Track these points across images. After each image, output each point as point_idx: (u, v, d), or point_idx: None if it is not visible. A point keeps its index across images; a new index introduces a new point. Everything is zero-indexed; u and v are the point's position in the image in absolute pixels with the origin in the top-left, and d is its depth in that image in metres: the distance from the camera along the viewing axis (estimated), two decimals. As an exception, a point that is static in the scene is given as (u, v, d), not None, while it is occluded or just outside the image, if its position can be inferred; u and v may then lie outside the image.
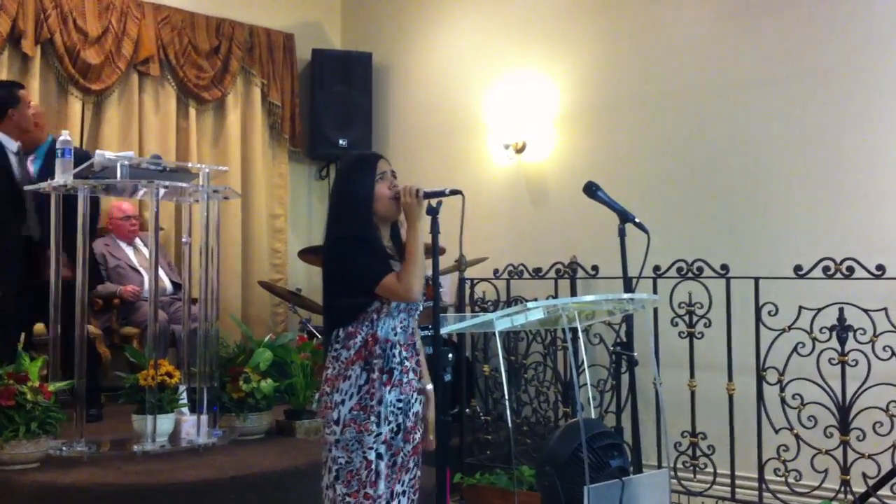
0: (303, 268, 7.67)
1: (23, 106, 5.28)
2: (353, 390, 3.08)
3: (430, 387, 3.27)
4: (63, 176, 4.52)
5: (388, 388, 3.09)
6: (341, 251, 3.13)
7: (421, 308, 3.25)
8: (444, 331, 3.14)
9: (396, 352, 3.13)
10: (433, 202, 3.13)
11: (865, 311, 4.50)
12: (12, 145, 5.20)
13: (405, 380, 3.14)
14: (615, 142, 6.43)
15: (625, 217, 3.82)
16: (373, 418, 3.06)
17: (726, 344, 4.90)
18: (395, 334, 3.14)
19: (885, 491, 4.49)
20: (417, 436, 3.21)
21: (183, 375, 4.81)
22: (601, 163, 6.35)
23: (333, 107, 7.78)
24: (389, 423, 3.09)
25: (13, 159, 5.20)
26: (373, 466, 3.05)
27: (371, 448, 3.06)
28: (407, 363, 3.16)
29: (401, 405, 3.12)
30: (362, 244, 3.10)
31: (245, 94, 7.68)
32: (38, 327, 5.22)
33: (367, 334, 3.11)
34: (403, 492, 3.16)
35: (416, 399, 3.19)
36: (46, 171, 4.91)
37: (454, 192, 3.10)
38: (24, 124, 5.26)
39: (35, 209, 5.20)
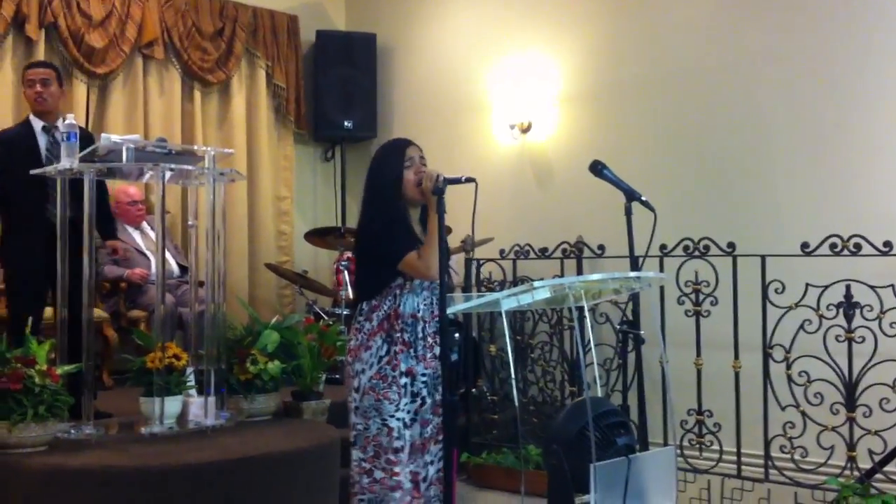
0: (309, 250, 7.68)
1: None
2: (374, 360, 3.26)
3: None
4: (68, 160, 4.51)
5: (417, 362, 3.28)
6: (373, 230, 3.34)
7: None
8: (450, 311, 3.17)
9: (420, 327, 3.30)
10: (439, 182, 3.20)
11: (872, 287, 4.50)
12: (38, 123, 5.14)
13: (429, 355, 3.31)
14: (621, 120, 6.41)
15: (631, 195, 3.80)
16: (394, 388, 3.23)
17: (733, 322, 4.90)
18: (419, 311, 3.31)
19: (891, 467, 4.50)
20: None
21: (190, 358, 4.81)
22: (607, 141, 6.33)
23: (338, 88, 7.76)
24: (420, 395, 3.28)
25: (41, 139, 5.13)
26: (394, 434, 3.21)
27: (392, 416, 3.22)
28: (430, 339, 3.32)
29: (426, 379, 3.29)
30: (392, 223, 3.29)
31: (250, 76, 7.67)
32: (47, 312, 5.21)
33: (390, 308, 3.29)
34: (432, 461, 3.31)
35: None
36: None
37: (469, 180, 3.25)
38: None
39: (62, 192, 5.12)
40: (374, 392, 3.23)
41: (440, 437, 3.29)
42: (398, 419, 3.22)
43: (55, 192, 4.77)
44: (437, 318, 3.33)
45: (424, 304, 3.33)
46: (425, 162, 3.40)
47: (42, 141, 5.09)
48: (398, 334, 3.26)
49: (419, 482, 3.26)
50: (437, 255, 3.20)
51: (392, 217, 3.30)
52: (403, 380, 3.24)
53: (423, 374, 3.28)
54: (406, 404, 3.24)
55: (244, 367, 4.97)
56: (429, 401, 3.29)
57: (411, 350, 3.26)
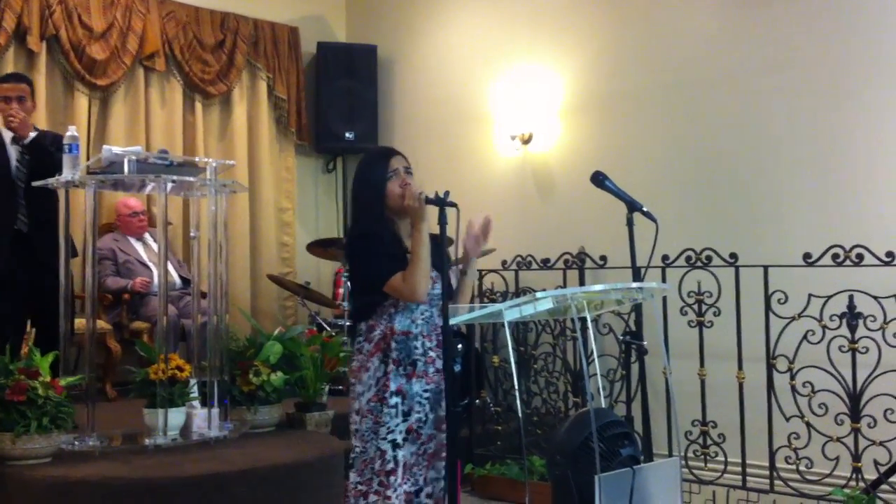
0: (311, 261, 7.68)
1: None
2: (372, 382, 3.17)
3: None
4: (70, 171, 4.53)
5: (413, 379, 3.16)
6: (355, 250, 3.24)
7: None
8: (453, 321, 3.14)
9: (419, 343, 3.19)
10: (440, 193, 3.15)
11: (875, 298, 4.50)
12: (6, 135, 5.18)
13: (430, 370, 3.20)
14: (622, 131, 6.41)
15: (633, 206, 3.80)
16: (387, 409, 3.12)
17: (736, 332, 4.90)
18: (416, 326, 3.20)
19: (896, 478, 4.49)
20: None
21: (193, 369, 4.81)
22: (608, 152, 6.33)
23: (339, 100, 7.77)
24: (417, 413, 3.15)
25: (11, 150, 5.15)
26: (388, 456, 3.11)
27: (385, 438, 3.12)
28: (432, 353, 3.21)
29: (428, 395, 3.18)
30: (373, 242, 3.17)
31: (251, 88, 7.68)
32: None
33: (385, 327, 3.18)
34: (437, 478, 3.20)
35: None
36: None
37: (451, 205, 3.10)
38: None
39: (26, 202, 5.15)
40: (373, 415, 3.14)
41: (444, 454, 3.20)
42: (389, 441, 3.12)
43: (23, 202, 4.83)
44: (437, 331, 3.23)
45: (423, 319, 3.21)
46: (411, 171, 3.25)
47: (12, 152, 5.13)
48: (393, 353, 3.16)
49: (411, 502, 3.14)
50: (424, 275, 3.09)
51: (376, 234, 3.18)
52: (394, 399, 3.14)
53: (426, 390, 3.17)
54: (398, 424, 3.14)
55: (247, 378, 4.97)
56: (431, 416, 3.18)
57: (400, 368, 3.15)
